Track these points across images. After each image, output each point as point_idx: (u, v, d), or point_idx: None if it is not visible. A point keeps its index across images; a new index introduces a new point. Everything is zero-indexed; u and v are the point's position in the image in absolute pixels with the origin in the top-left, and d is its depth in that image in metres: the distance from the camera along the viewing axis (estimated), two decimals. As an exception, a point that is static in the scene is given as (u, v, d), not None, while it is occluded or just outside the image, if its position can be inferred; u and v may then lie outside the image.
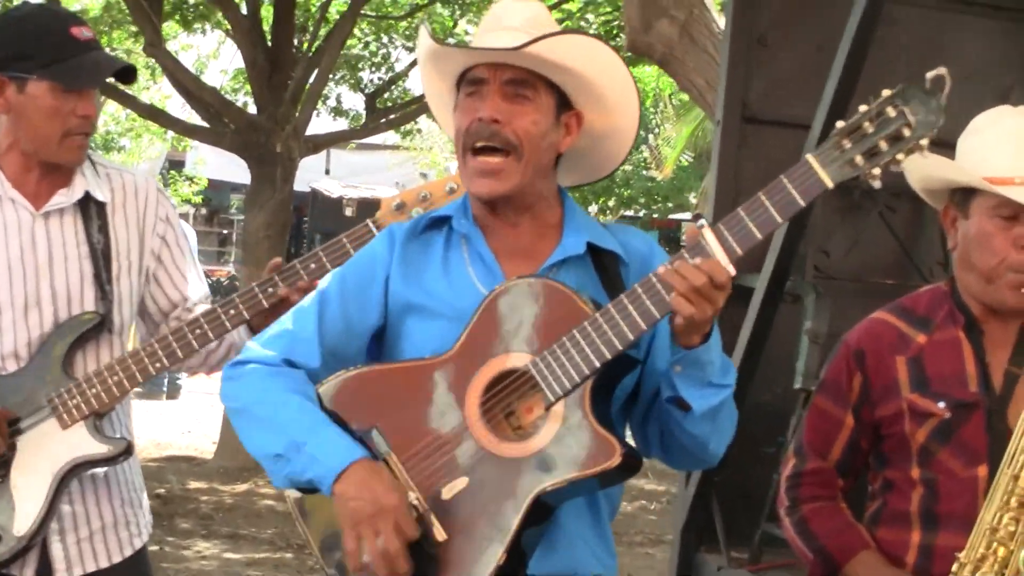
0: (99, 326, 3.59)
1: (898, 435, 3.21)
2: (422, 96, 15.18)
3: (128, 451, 3.60)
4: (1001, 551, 2.97)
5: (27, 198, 3.58)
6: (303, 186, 27.59)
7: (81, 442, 3.53)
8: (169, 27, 15.22)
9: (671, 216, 27.98)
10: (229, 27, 13.89)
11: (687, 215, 26.79)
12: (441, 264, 2.98)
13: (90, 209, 3.62)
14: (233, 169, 23.95)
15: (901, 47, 5.52)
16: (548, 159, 2.95)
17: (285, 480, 2.89)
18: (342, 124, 17.30)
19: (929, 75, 2.67)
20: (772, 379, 5.38)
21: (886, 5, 4.88)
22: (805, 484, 3.34)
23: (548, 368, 2.74)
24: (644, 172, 27.67)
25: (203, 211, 35.06)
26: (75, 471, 3.54)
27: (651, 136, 27.50)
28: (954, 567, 3.00)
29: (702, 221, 2.73)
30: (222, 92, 15.00)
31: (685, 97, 16.55)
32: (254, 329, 3.56)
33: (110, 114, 26.58)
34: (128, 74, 3.71)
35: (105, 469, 3.63)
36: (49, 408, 3.52)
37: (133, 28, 14.99)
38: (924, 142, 2.64)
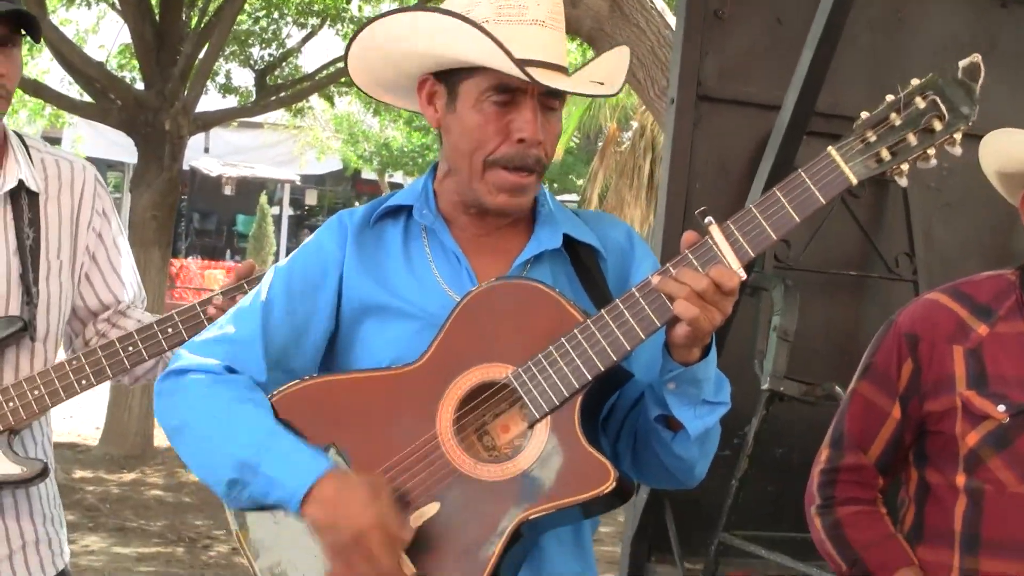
0: (21, 332, 3.21)
1: (946, 434, 2.92)
2: (314, 73, 15.42)
3: (44, 473, 3.24)
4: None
5: None
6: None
7: None
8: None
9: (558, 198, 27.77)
10: (114, 1, 13.32)
11: (574, 197, 26.55)
12: (403, 258, 2.65)
13: (21, 200, 3.26)
14: (110, 147, 23.36)
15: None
16: None
17: (248, 504, 2.51)
18: (231, 102, 16.76)
19: (962, 63, 2.37)
20: (728, 377, 5.08)
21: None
22: (842, 482, 3.05)
23: (532, 381, 2.43)
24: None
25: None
26: None
27: (540, 117, 27.16)
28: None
29: (709, 218, 2.37)
30: (107, 68, 14.34)
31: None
32: None
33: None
34: (25, 22, 3.17)
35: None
36: None
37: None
38: (958, 136, 2.37)
